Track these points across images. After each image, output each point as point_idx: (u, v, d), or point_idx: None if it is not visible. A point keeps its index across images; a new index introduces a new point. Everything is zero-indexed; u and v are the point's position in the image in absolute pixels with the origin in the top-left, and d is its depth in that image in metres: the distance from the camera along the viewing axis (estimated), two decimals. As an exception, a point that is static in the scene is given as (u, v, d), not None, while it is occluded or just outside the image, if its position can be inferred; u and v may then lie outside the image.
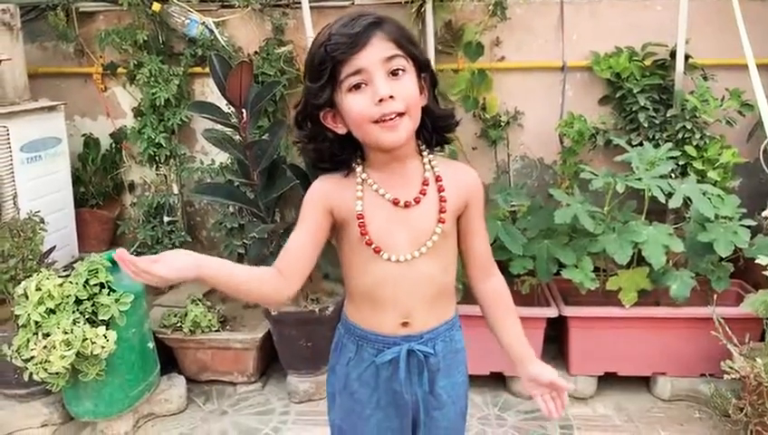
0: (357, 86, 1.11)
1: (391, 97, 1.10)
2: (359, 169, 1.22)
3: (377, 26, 1.11)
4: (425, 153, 1.25)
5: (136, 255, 1.10)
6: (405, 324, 1.25)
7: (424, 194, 1.21)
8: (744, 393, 2.11)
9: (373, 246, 1.20)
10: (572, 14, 2.87)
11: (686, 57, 2.73)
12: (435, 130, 1.24)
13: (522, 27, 2.89)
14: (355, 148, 1.21)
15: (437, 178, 1.23)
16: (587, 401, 2.53)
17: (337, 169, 1.24)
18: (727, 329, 2.19)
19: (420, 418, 1.29)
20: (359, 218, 1.20)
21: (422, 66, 1.18)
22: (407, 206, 1.20)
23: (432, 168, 1.23)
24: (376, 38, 1.10)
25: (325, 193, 1.23)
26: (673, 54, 2.75)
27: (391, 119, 1.11)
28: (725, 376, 2.13)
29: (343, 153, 1.21)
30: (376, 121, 1.11)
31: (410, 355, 1.25)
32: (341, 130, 1.18)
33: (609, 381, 2.54)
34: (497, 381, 2.59)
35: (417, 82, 1.16)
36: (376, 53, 1.10)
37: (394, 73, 1.12)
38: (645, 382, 2.58)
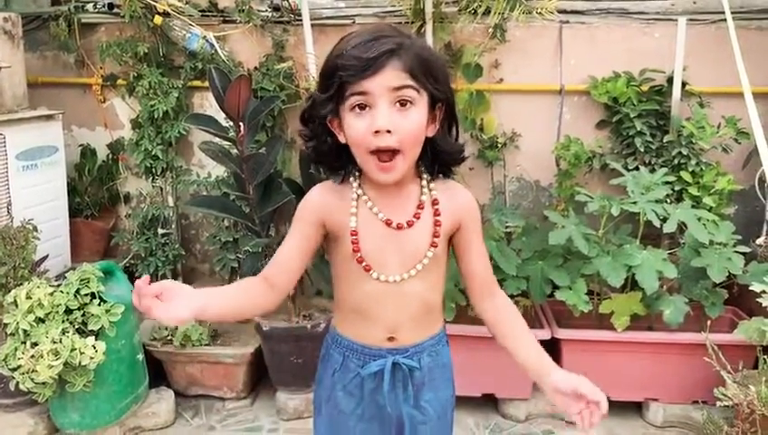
0: (361, 106, 1.09)
1: (389, 132, 1.07)
2: (355, 184, 1.21)
3: (394, 54, 1.07)
4: (424, 176, 1.23)
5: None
6: (391, 339, 1.25)
7: (418, 218, 1.20)
8: (737, 421, 2.10)
9: (363, 265, 1.20)
10: (571, 39, 2.89)
11: (683, 84, 2.76)
12: (438, 163, 1.22)
13: (520, 50, 2.91)
14: (353, 160, 1.19)
15: (434, 202, 1.21)
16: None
17: (333, 171, 1.23)
18: (720, 355, 2.18)
19: (405, 432, 1.28)
20: (352, 235, 1.19)
21: (437, 98, 1.14)
22: (399, 228, 1.19)
23: (429, 191, 1.22)
24: (390, 66, 1.07)
25: (319, 205, 1.23)
26: (670, 81, 2.78)
27: (387, 161, 1.10)
28: (718, 403, 2.12)
29: (340, 161, 1.21)
30: (372, 152, 1.10)
31: (395, 368, 1.24)
32: (344, 140, 1.16)
33: (601, 405, 2.52)
34: (489, 403, 2.55)
35: (429, 113, 1.13)
36: (385, 81, 1.07)
37: (402, 103, 1.09)
38: (637, 408, 2.55)
